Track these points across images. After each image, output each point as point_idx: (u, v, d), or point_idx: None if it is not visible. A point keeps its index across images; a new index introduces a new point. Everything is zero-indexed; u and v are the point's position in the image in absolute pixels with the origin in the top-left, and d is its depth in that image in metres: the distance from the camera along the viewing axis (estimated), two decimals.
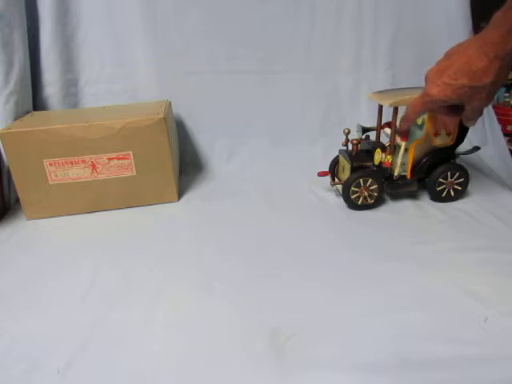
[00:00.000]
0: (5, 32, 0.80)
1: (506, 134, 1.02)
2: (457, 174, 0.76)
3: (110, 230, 0.74)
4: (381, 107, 0.78)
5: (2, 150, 0.76)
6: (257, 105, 1.01)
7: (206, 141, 1.02)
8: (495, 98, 1.15)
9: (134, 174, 0.79)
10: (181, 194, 0.87)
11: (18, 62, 0.83)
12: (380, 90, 0.80)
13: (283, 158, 0.99)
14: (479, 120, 0.98)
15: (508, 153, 0.94)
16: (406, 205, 0.78)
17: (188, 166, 1.01)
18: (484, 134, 1.00)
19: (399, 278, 0.56)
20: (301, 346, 0.45)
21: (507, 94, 1.14)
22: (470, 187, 0.81)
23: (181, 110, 0.99)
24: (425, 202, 0.78)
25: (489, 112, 1.01)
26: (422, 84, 0.64)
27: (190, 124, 1.01)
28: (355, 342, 0.46)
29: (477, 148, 0.81)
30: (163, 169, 0.80)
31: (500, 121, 1.01)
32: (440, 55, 0.57)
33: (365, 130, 0.81)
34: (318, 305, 0.52)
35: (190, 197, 0.86)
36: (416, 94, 0.72)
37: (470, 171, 0.89)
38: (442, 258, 0.60)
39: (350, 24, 0.98)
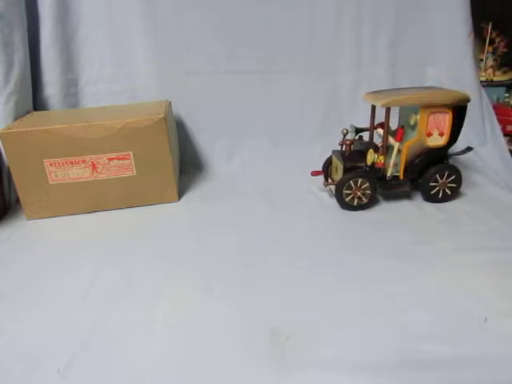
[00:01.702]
0: (5, 32, 0.80)
1: (506, 134, 1.02)
2: (449, 175, 0.76)
3: (110, 230, 0.74)
4: (374, 108, 0.78)
5: (2, 150, 0.76)
6: (257, 105, 1.01)
7: (205, 141, 1.02)
8: (495, 97, 1.15)
9: (134, 174, 0.79)
10: (181, 194, 0.87)
11: (18, 62, 0.83)
12: (375, 90, 0.80)
13: (283, 157, 0.99)
14: (479, 120, 1.00)
15: (508, 153, 0.94)
16: (406, 205, 0.78)
17: (188, 166, 1.01)
18: (484, 133, 1.00)
19: (399, 278, 0.56)
20: (301, 346, 0.45)
21: (507, 94, 1.14)
22: (469, 187, 0.81)
23: (181, 110, 0.99)
24: (423, 202, 0.78)
25: (489, 112, 1.01)
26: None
27: (190, 124, 1.01)
28: (355, 342, 0.46)
29: (469, 148, 0.81)
30: (163, 169, 0.80)
31: (500, 121, 1.01)
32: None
33: (358, 130, 0.82)
34: (318, 305, 0.52)
35: (190, 197, 0.86)
36: (411, 95, 0.72)
37: (469, 171, 0.89)
38: (442, 258, 0.60)
39: (350, 24, 0.98)
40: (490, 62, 1.17)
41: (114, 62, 0.95)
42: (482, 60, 1.18)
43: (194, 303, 0.53)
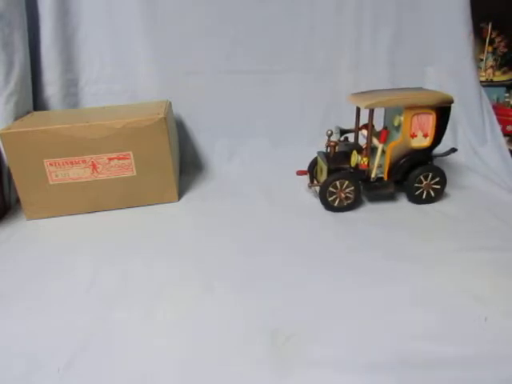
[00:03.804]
0: (5, 32, 0.80)
1: (506, 134, 1.02)
2: (434, 176, 0.76)
3: (110, 230, 0.74)
4: (358, 109, 0.78)
5: (3, 150, 0.76)
6: (257, 105, 1.01)
7: (205, 141, 1.02)
8: (495, 97, 1.15)
9: (135, 174, 0.79)
10: (181, 194, 0.87)
11: (19, 62, 0.83)
12: (359, 91, 0.80)
13: (283, 157, 0.99)
14: (479, 120, 1.00)
15: (508, 153, 0.94)
16: (405, 205, 0.78)
17: (188, 166, 1.01)
18: (484, 134, 1.00)
19: (399, 278, 0.56)
20: (301, 345, 0.45)
21: (507, 94, 1.14)
22: (469, 187, 0.81)
23: (181, 110, 0.99)
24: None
25: (489, 112, 1.01)
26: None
27: (190, 124, 1.01)
28: (355, 342, 0.46)
29: (453, 150, 0.80)
30: (163, 169, 0.80)
31: (500, 121, 1.01)
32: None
33: (343, 131, 0.82)
34: (318, 305, 0.52)
35: (190, 197, 0.86)
36: (394, 96, 0.72)
37: (468, 171, 0.89)
38: (442, 258, 0.60)
39: (350, 24, 0.98)
40: (490, 62, 1.17)
41: (114, 62, 0.95)
42: (481, 60, 1.18)
43: (193, 303, 0.53)
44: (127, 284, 0.58)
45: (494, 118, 1.00)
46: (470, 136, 1.00)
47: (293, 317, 0.50)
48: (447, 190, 0.81)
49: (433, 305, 0.51)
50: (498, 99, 1.15)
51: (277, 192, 0.86)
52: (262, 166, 0.98)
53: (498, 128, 0.99)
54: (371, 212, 0.76)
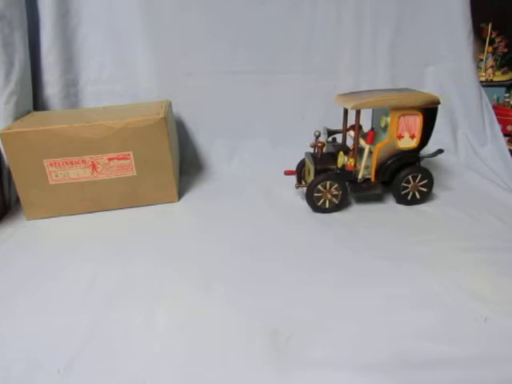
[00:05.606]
0: (5, 32, 0.80)
1: (506, 134, 1.02)
2: (420, 177, 0.76)
3: (110, 230, 0.74)
4: (346, 110, 0.78)
5: (3, 150, 0.76)
6: (257, 105, 1.01)
7: (206, 141, 1.02)
8: (495, 97, 1.15)
9: (135, 174, 0.79)
10: (181, 194, 0.87)
11: (19, 63, 0.83)
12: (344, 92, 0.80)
13: (283, 157, 0.99)
14: (479, 120, 1.00)
15: (508, 153, 0.94)
16: (400, 206, 0.78)
17: (188, 166, 1.01)
18: (484, 134, 1.00)
19: (399, 278, 0.56)
20: (301, 345, 0.45)
21: (507, 94, 1.14)
22: (469, 187, 0.80)
23: (181, 109, 0.99)
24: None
25: (489, 112, 1.01)
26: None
27: (190, 124, 1.01)
28: (355, 342, 0.46)
29: (440, 151, 0.80)
30: (163, 169, 0.80)
31: (500, 121, 1.01)
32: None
33: (331, 132, 0.82)
34: (318, 305, 0.52)
35: (190, 197, 0.86)
36: (381, 97, 0.72)
37: (469, 171, 0.89)
38: (442, 258, 0.60)
39: (350, 24, 0.98)
40: (490, 62, 1.17)
41: (114, 62, 0.95)
42: (481, 60, 1.18)
43: (193, 303, 0.53)
44: (127, 284, 0.58)
45: (494, 117, 1.00)
46: (470, 136, 1.00)
47: (293, 317, 0.50)
48: (447, 189, 0.81)
49: (433, 305, 0.51)
50: (498, 99, 1.15)
51: (277, 192, 0.86)
52: (262, 166, 0.97)
53: (498, 128, 0.99)
54: (367, 213, 0.76)
